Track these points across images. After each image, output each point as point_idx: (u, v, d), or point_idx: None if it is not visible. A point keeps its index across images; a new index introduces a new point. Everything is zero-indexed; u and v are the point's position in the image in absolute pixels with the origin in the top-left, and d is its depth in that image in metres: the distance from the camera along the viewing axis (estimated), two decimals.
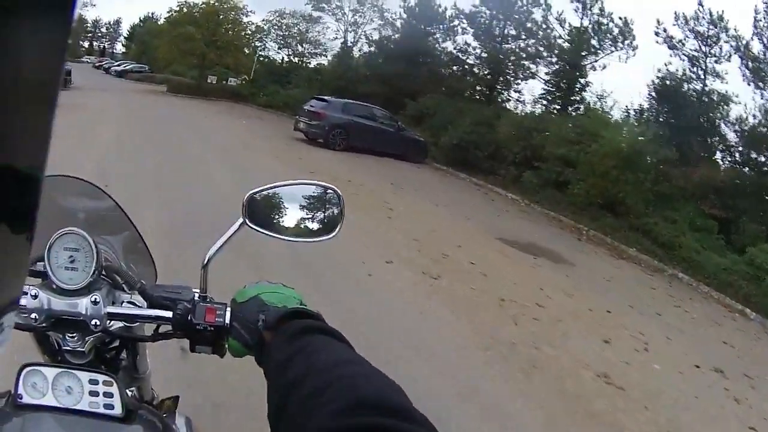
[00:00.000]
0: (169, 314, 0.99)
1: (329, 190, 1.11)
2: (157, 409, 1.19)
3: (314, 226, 1.10)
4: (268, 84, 38.09)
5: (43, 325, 0.94)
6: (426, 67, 31.07)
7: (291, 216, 1.09)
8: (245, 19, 40.16)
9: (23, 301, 0.92)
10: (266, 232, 1.06)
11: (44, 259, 0.95)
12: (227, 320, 0.96)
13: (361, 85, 31.30)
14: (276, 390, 0.73)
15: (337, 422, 0.58)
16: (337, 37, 37.17)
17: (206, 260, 1.01)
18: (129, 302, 1.04)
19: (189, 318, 0.97)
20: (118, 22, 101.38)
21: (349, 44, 37.01)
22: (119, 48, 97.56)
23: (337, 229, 1.09)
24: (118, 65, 58.31)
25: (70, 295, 0.95)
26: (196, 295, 1.03)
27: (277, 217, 1.09)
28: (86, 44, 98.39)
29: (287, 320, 0.86)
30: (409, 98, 26.90)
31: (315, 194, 1.11)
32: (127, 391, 1.04)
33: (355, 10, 36.68)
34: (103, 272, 1.00)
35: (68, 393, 0.92)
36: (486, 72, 29.48)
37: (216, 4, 38.81)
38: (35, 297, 0.93)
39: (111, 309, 0.98)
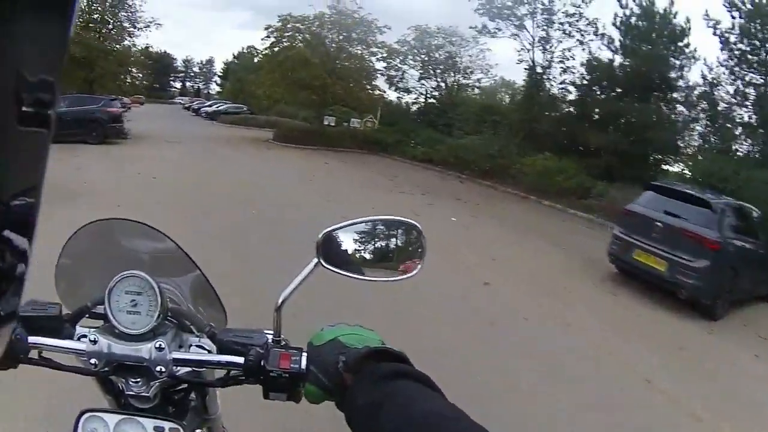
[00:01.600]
0: (240, 360, 0.92)
1: (409, 226, 1.03)
2: None
3: (394, 264, 1.03)
4: (410, 127, 27.56)
5: (105, 369, 0.91)
6: (661, 104, 20.76)
7: (368, 254, 1.02)
8: (378, 38, 28.10)
9: (82, 346, 0.90)
10: (342, 272, 0.98)
11: (105, 302, 0.92)
12: (303, 365, 0.89)
13: (580, 131, 20.46)
14: None
15: None
16: (522, 59, 24.16)
17: (280, 302, 0.95)
18: (197, 346, 0.99)
19: (262, 364, 0.91)
20: (210, 62, 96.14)
21: (538, 69, 23.94)
22: (214, 88, 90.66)
23: (419, 266, 1.02)
24: (210, 105, 49.02)
25: (133, 340, 0.91)
26: (270, 339, 0.96)
27: (353, 255, 1.00)
28: (178, 84, 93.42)
29: (370, 361, 0.80)
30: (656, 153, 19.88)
31: (394, 230, 1.05)
32: None
33: (548, 21, 23.45)
34: (170, 315, 0.96)
35: None
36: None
37: (336, 16, 27.14)
38: (94, 342, 0.90)
39: (177, 355, 0.93)
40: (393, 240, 1.05)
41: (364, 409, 0.72)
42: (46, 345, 0.93)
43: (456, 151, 21.71)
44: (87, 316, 0.99)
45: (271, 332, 0.97)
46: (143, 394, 0.93)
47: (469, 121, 25.91)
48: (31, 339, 0.91)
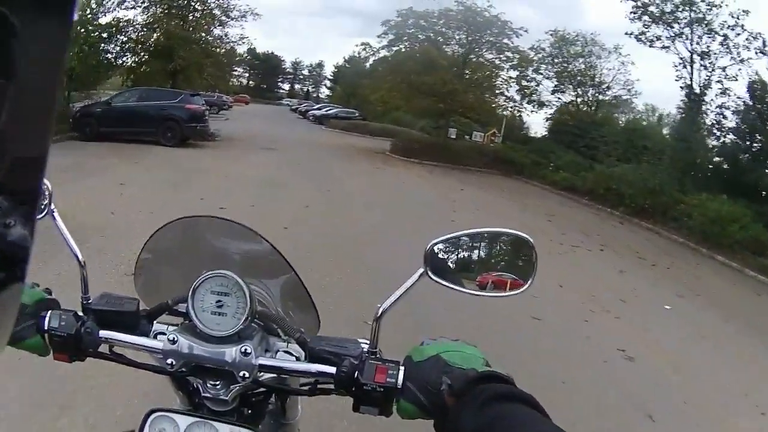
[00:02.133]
0: (332, 370, 0.88)
1: (519, 240, 0.98)
2: None
3: (502, 279, 1.00)
4: (548, 147, 23.76)
5: (182, 370, 0.89)
6: None
7: (477, 267, 0.98)
8: (511, 42, 24.25)
9: (158, 344, 0.89)
10: (448, 284, 0.94)
11: (188, 301, 0.90)
12: (400, 381, 0.85)
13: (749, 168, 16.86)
14: None
15: None
16: (680, 77, 19.56)
17: (379, 313, 0.92)
18: (285, 351, 0.98)
19: (356, 376, 0.87)
20: (320, 65, 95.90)
21: (696, 89, 19.36)
22: (324, 91, 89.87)
23: (530, 282, 0.97)
24: (319, 108, 46.81)
25: (217, 342, 0.89)
26: (365, 350, 0.92)
27: (461, 268, 0.97)
28: (287, 86, 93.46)
29: (476, 384, 0.78)
30: None
31: (504, 243, 1.03)
32: None
33: (708, 32, 18.95)
34: (257, 318, 0.95)
35: None
36: None
37: (465, 13, 23.74)
38: (174, 341, 0.88)
39: (264, 361, 0.90)
40: (503, 252, 1.02)
41: None
42: (118, 340, 0.91)
43: (608, 182, 17.81)
44: (166, 313, 0.97)
45: (367, 342, 0.93)
46: (221, 397, 0.89)
47: (617, 146, 21.75)
48: (103, 333, 0.90)
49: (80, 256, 0.98)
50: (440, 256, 0.95)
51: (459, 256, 0.97)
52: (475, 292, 0.97)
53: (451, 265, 0.96)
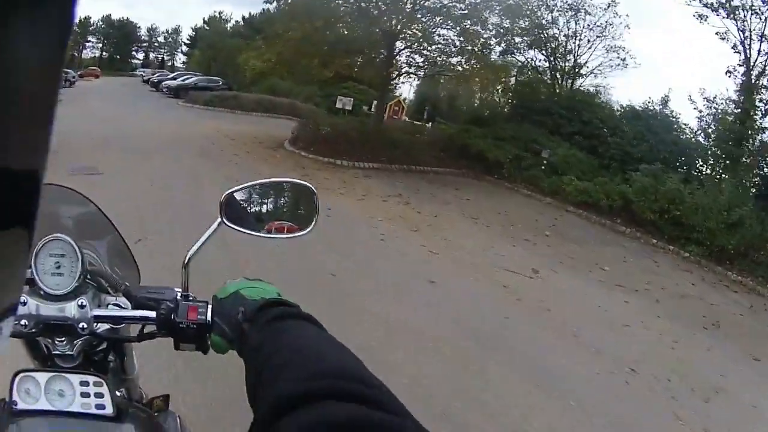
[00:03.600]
0: (152, 314, 0.97)
1: (302, 187, 1.11)
2: (148, 407, 1.19)
3: (290, 221, 1.12)
4: (512, 131, 16.30)
5: (33, 330, 0.94)
6: None
7: (267, 213, 1.10)
8: None
9: None
10: (243, 230, 1.05)
11: (31, 265, 0.95)
12: (209, 317, 0.94)
13: None
14: (251, 371, 0.74)
15: (304, 386, 0.60)
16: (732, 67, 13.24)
17: (186, 260, 1.01)
18: (114, 305, 1.04)
19: (172, 317, 0.96)
20: (177, 31, 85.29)
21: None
22: (180, 58, 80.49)
23: (312, 224, 1.09)
24: (174, 78, 36.23)
25: (58, 300, 0.95)
26: (179, 294, 1.01)
27: (253, 215, 1.09)
28: (140, 55, 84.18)
29: (265, 310, 0.86)
30: None
31: (290, 191, 1.15)
32: (117, 392, 1.03)
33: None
34: (88, 276, 1.00)
35: (60, 396, 0.92)
36: None
37: None
38: (24, 304, 0.93)
39: (97, 312, 0.97)
40: (289, 200, 1.15)
41: (254, 349, 0.76)
42: None
43: (663, 202, 10.66)
44: None
45: (179, 289, 1.01)
46: (68, 352, 0.98)
47: (639, 144, 14.52)
48: None
49: None
50: (235, 205, 1.05)
51: (252, 205, 1.08)
52: (265, 235, 1.08)
53: (244, 213, 1.07)
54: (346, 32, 15.73)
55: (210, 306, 0.95)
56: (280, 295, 0.94)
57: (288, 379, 0.63)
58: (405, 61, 16.38)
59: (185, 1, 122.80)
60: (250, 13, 50.37)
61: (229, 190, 1.04)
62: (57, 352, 0.98)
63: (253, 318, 0.85)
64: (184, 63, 70.36)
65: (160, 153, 10.83)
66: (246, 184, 1.06)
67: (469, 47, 14.88)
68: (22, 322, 0.92)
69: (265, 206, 1.10)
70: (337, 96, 22.12)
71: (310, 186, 1.09)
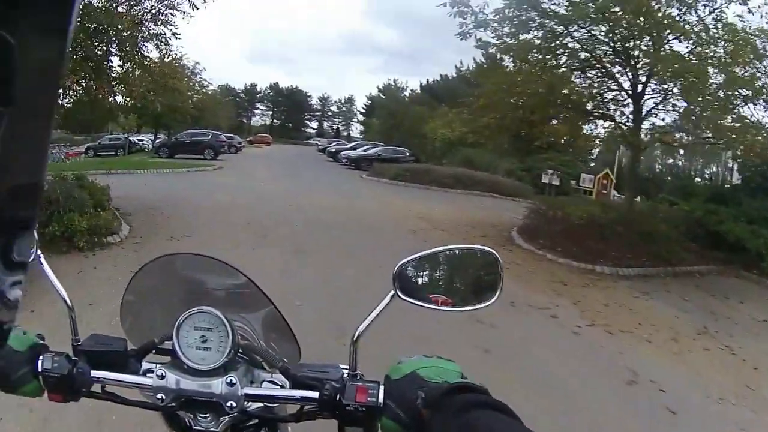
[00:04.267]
0: (315, 395, 0.92)
1: (484, 254, 1.03)
2: None
3: (471, 291, 1.05)
4: None
5: (172, 404, 0.92)
6: None
7: (445, 283, 1.03)
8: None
9: (148, 381, 0.92)
10: (419, 303, 0.98)
11: (173, 338, 0.93)
12: (380, 399, 0.88)
13: None
14: None
15: None
16: None
17: (356, 336, 0.95)
18: (269, 381, 1.00)
19: (338, 398, 0.90)
20: (350, 100, 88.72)
21: None
22: (356, 128, 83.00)
23: (497, 295, 1.01)
24: (354, 148, 35.60)
25: (203, 376, 0.92)
26: (345, 373, 0.95)
27: (430, 286, 1.01)
28: (314, 124, 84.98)
29: (450, 396, 0.79)
30: None
31: (470, 259, 1.07)
32: None
33: None
34: (240, 351, 0.97)
35: None
36: None
37: None
38: (162, 377, 0.91)
39: (249, 390, 0.93)
40: (469, 267, 1.06)
41: None
42: (111, 379, 0.94)
43: None
44: (154, 351, 1.00)
45: (346, 367, 0.96)
46: (212, 429, 0.93)
47: None
48: (95, 373, 0.93)
49: (68, 300, 0.99)
50: (409, 276, 0.98)
51: (427, 274, 1.00)
52: (444, 308, 1.00)
53: (419, 284, 0.99)
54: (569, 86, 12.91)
55: (382, 387, 0.89)
56: (464, 376, 0.87)
57: None
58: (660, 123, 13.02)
59: (352, 69, 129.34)
60: (427, 80, 50.16)
61: (402, 261, 0.98)
62: (199, 428, 0.92)
63: (436, 404, 0.79)
64: (361, 132, 71.25)
65: (347, 248, 8.76)
66: (420, 254, 0.99)
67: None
68: (159, 395, 0.89)
69: (441, 276, 1.02)
70: (540, 169, 20.24)
71: (492, 251, 1.01)
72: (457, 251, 1.02)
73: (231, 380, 0.90)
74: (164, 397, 0.90)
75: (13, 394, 0.92)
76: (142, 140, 37.68)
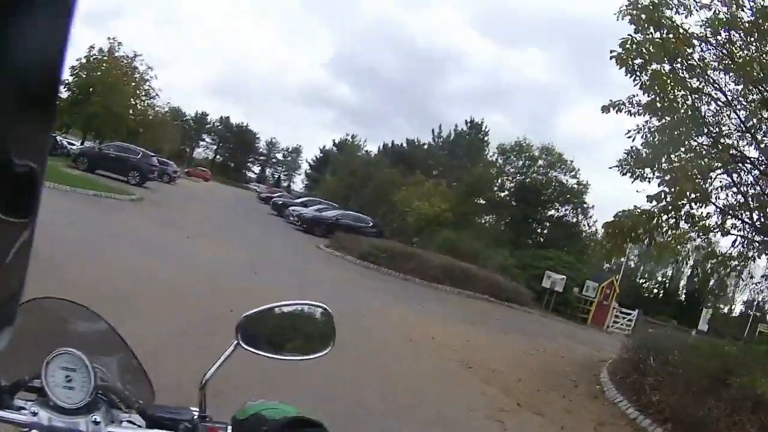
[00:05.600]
0: None
1: (319, 309, 1.16)
2: None
3: (307, 343, 1.17)
4: None
5: None
6: None
7: (284, 335, 1.15)
8: None
9: (22, 418, 0.93)
10: (260, 352, 1.09)
11: (42, 376, 0.95)
12: None
13: None
14: None
15: None
16: None
17: (204, 382, 1.03)
18: (128, 421, 1.02)
19: None
20: (297, 150, 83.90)
21: None
22: (298, 182, 78.48)
23: (330, 346, 1.14)
24: (305, 204, 30.39)
25: (69, 414, 0.94)
26: (195, 414, 1.02)
27: (270, 337, 1.12)
28: (257, 168, 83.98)
29: (289, 430, 0.88)
30: None
31: (306, 313, 1.18)
32: None
33: None
34: (100, 392, 0.99)
35: None
36: None
37: None
38: (35, 414, 0.92)
39: (112, 429, 0.97)
40: (305, 320, 1.17)
41: None
42: None
43: None
44: (23, 389, 1.01)
45: (196, 409, 1.02)
46: None
47: None
48: None
49: None
50: (250, 327, 1.08)
51: (268, 326, 1.12)
52: (284, 357, 1.13)
53: (261, 335, 1.10)
54: None
55: (230, 428, 0.97)
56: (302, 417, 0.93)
57: None
58: None
59: (302, 119, 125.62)
60: (392, 142, 46.78)
61: (246, 313, 1.07)
62: None
63: None
64: (305, 186, 67.51)
65: None
66: (262, 308, 1.09)
67: None
68: None
69: (280, 328, 1.12)
70: (538, 267, 18.23)
71: (325, 307, 1.13)
72: (294, 305, 1.15)
73: (95, 419, 0.93)
74: None
75: None
76: (73, 144, 31.94)
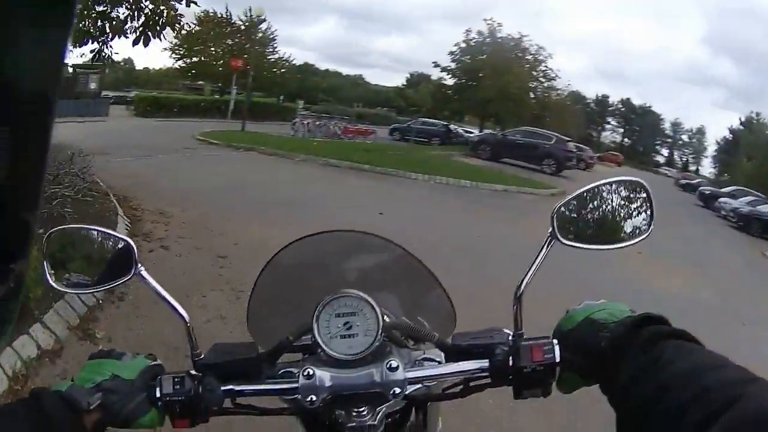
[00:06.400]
0: (485, 363, 0.85)
1: (634, 184, 0.95)
2: None
3: (626, 226, 0.95)
4: None
5: (323, 405, 0.84)
6: None
7: (600, 221, 0.96)
8: None
9: (291, 384, 0.84)
10: (579, 245, 0.92)
11: (313, 330, 0.85)
12: (557, 355, 0.82)
13: None
14: (628, 413, 0.68)
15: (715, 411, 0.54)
16: None
17: (519, 292, 0.88)
18: (423, 359, 0.94)
19: (512, 362, 0.83)
20: (701, 131, 78.03)
21: None
22: (706, 165, 73.41)
23: (651, 226, 0.94)
24: (733, 194, 26.44)
25: (352, 366, 0.84)
26: (510, 335, 0.88)
27: (586, 226, 0.95)
28: (665, 151, 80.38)
29: (635, 331, 0.74)
30: None
31: (619, 192, 0.96)
32: None
33: None
34: (388, 331, 0.89)
35: None
36: None
37: None
38: (309, 377, 0.82)
39: (413, 373, 0.86)
40: (620, 201, 0.96)
41: (627, 382, 0.69)
42: (246, 390, 0.87)
43: None
44: (287, 351, 0.92)
45: (506, 330, 0.89)
46: (368, 422, 0.86)
47: None
48: (225, 387, 0.85)
49: (183, 312, 0.89)
50: (564, 219, 0.92)
51: (582, 214, 0.94)
52: (606, 246, 0.94)
53: (576, 225, 0.94)
54: None
55: (556, 341, 0.83)
56: (635, 314, 0.80)
57: (695, 412, 0.56)
58: None
59: (695, 99, 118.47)
60: None
61: (558, 204, 0.91)
62: (353, 424, 0.85)
63: (621, 344, 0.74)
64: (717, 171, 63.15)
65: None
66: (572, 195, 0.92)
67: None
68: (310, 398, 0.81)
69: (595, 214, 0.94)
70: None
71: (642, 181, 0.93)
72: (604, 186, 0.93)
73: (390, 364, 0.82)
74: (314, 398, 0.81)
75: (130, 429, 0.81)
76: (470, 133, 31.37)
